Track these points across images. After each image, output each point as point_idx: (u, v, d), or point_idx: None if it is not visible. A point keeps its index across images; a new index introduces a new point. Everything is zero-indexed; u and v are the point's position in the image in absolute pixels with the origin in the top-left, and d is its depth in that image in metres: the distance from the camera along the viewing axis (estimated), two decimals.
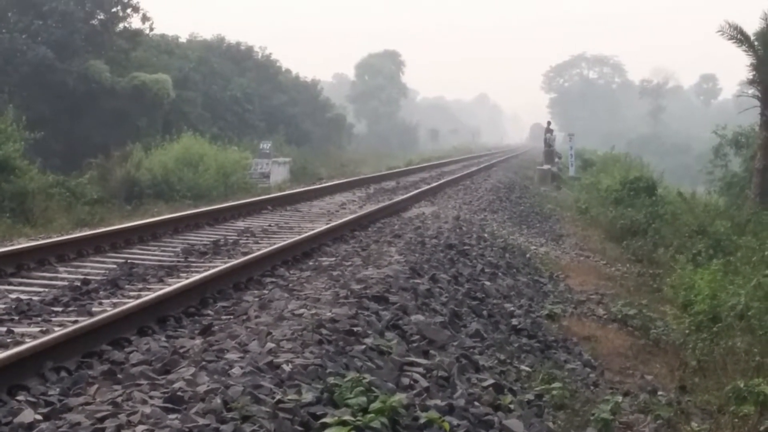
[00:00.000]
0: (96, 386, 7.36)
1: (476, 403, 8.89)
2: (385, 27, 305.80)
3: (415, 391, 8.36)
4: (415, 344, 10.09)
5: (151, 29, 53.66)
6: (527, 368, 11.23)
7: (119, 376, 7.67)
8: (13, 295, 10.84)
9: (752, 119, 40.57)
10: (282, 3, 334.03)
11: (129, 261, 13.63)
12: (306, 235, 16.55)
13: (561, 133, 77.32)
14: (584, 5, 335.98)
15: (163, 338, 9.12)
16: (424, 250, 16.44)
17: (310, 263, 14.37)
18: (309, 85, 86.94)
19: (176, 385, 7.14)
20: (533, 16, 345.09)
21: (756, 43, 36.46)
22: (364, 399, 7.28)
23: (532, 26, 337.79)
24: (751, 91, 38.25)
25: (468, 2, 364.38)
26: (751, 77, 37.52)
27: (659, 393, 11.80)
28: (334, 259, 14.86)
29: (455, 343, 10.94)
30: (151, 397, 6.84)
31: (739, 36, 36.89)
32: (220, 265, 12.79)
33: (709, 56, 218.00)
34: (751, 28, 36.83)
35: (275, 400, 6.97)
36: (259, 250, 14.73)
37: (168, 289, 10.75)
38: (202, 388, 7.05)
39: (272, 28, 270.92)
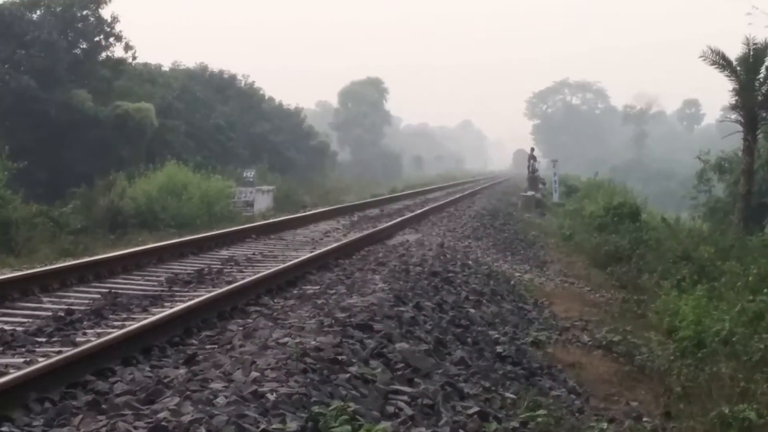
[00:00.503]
0: (80, 417, 7.35)
1: (461, 431, 8.91)
2: (368, 54, 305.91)
3: (400, 420, 8.38)
4: (399, 372, 10.10)
5: (134, 58, 53.74)
6: (512, 395, 11.24)
7: (103, 406, 7.66)
8: None
9: (735, 144, 40.81)
10: (264, 32, 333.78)
11: (113, 291, 13.61)
12: (290, 263, 16.55)
13: (545, 159, 77.52)
14: (568, 31, 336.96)
15: (148, 368, 9.11)
16: (408, 277, 16.47)
17: (295, 291, 14.37)
18: (292, 113, 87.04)
19: (160, 415, 7.15)
20: (517, 42, 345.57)
21: (738, 68, 36.69)
22: (348, 428, 7.31)
23: (516, 52, 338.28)
24: (734, 116, 38.50)
25: (451, 31, 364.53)
26: (734, 102, 37.77)
27: (644, 419, 11.82)
28: (318, 287, 14.85)
29: (440, 371, 10.95)
30: (135, 428, 6.85)
31: (721, 61, 37.12)
32: (204, 294, 12.78)
33: (692, 82, 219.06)
34: (734, 53, 37.06)
35: (260, 429, 6.98)
36: (243, 278, 14.72)
37: (152, 318, 10.73)
38: (186, 418, 7.06)
39: (255, 57, 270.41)
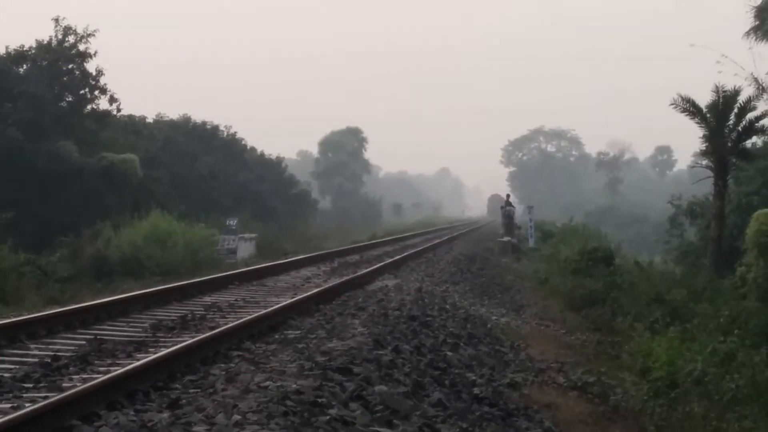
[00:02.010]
0: None
1: None
2: (347, 104, 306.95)
3: None
4: (378, 414, 10.11)
5: (119, 110, 53.69)
6: None
7: None
8: None
9: (706, 189, 40.97)
10: (246, 85, 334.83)
11: (99, 337, 13.62)
12: (272, 309, 16.57)
13: (521, 205, 77.65)
14: (543, 80, 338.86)
15: (132, 412, 9.11)
16: (387, 321, 16.49)
17: (276, 336, 14.38)
18: (274, 162, 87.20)
19: None
20: (493, 92, 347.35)
21: (708, 115, 36.89)
22: None
23: (492, 101, 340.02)
24: (705, 162, 38.69)
25: (429, 77, 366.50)
26: (704, 148, 37.96)
27: None
28: (299, 332, 14.87)
29: (418, 413, 10.96)
30: None
31: (691, 108, 37.33)
32: (187, 340, 12.78)
33: (664, 128, 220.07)
34: (704, 100, 37.31)
35: None
36: (225, 324, 14.72)
37: (136, 364, 10.74)
38: None
39: (236, 108, 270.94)
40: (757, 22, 43.27)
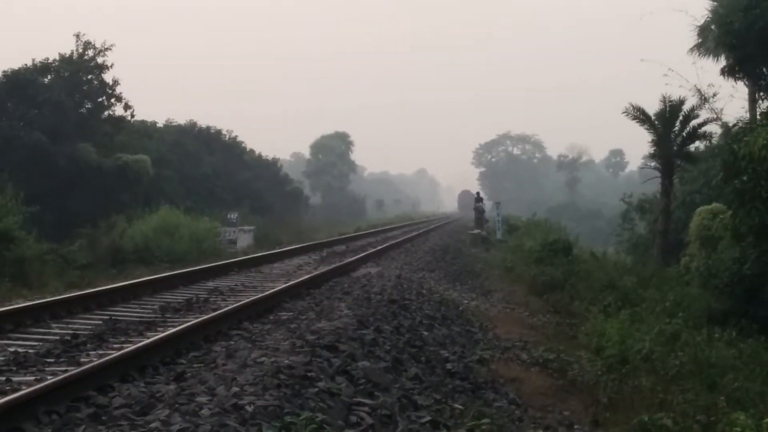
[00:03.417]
0: (83, 427, 7.34)
1: None
2: (334, 107, 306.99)
3: (361, 428, 8.39)
4: (362, 387, 10.10)
5: (132, 116, 53.56)
6: (460, 406, 11.23)
7: (103, 417, 7.65)
8: (12, 349, 10.80)
9: (654, 188, 41.06)
10: (246, 89, 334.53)
11: (113, 317, 13.59)
12: (267, 293, 16.54)
13: (489, 201, 77.53)
14: (510, 87, 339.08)
15: (142, 384, 9.10)
16: (369, 305, 16.48)
17: (271, 317, 14.36)
18: (270, 162, 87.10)
19: (153, 425, 7.15)
20: (465, 97, 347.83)
21: (656, 122, 36.99)
22: None
23: (465, 105, 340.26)
24: (653, 164, 38.89)
25: (407, 83, 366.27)
26: (653, 152, 38.12)
27: (575, 427, 11.84)
28: (291, 313, 14.84)
29: (397, 386, 10.96)
30: None
31: (641, 116, 37.44)
32: (192, 320, 12.75)
33: (617, 134, 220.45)
34: (653, 109, 37.41)
35: None
36: (226, 306, 14.70)
37: (147, 341, 10.72)
38: (175, 428, 7.06)
39: (237, 112, 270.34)
40: (699, 40, 43.39)
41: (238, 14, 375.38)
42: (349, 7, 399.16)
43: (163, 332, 11.63)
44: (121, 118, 52.11)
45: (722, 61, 35.74)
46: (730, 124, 34.41)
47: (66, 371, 9.06)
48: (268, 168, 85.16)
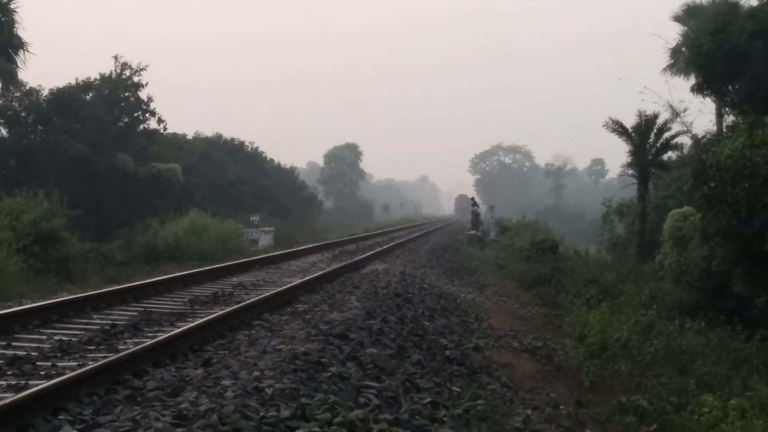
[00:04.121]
0: (120, 407, 7.34)
1: (417, 417, 8.90)
2: (346, 121, 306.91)
3: (369, 408, 8.38)
4: (369, 371, 10.10)
5: (165, 129, 53.72)
6: (457, 389, 11.22)
7: (138, 399, 7.66)
8: (57, 337, 10.81)
9: (631, 193, 41.10)
10: (267, 105, 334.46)
11: (148, 309, 13.59)
12: (285, 287, 16.55)
13: (484, 205, 77.51)
14: (503, 102, 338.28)
15: (173, 369, 9.10)
16: (376, 298, 16.47)
17: (288, 309, 14.35)
18: (288, 171, 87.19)
19: (182, 406, 7.14)
20: (463, 111, 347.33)
21: (633, 134, 37.06)
22: (329, 415, 7.30)
23: (462, 119, 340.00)
24: (630, 171, 38.90)
25: (411, 99, 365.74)
26: (630, 161, 38.22)
27: (561, 407, 11.82)
28: (307, 305, 14.84)
29: (401, 370, 10.94)
30: (162, 415, 6.84)
31: (620, 129, 37.52)
32: (218, 312, 12.76)
33: (598, 144, 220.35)
34: (630, 123, 37.48)
35: (260, 416, 6.98)
36: (249, 299, 14.70)
37: (177, 330, 10.73)
38: (202, 408, 7.05)
39: (259, 126, 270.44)
40: (672, 61, 43.43)
41: (260, 41, 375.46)
42: (358, 34, 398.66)
43: (192, 322, 11.64)
44: (155, 131, 52.30)
45: (692, 80, 35.80)
46: (699, 137, 34.44)
47: (105, 357, 9.07)
48: (286, 176, 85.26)
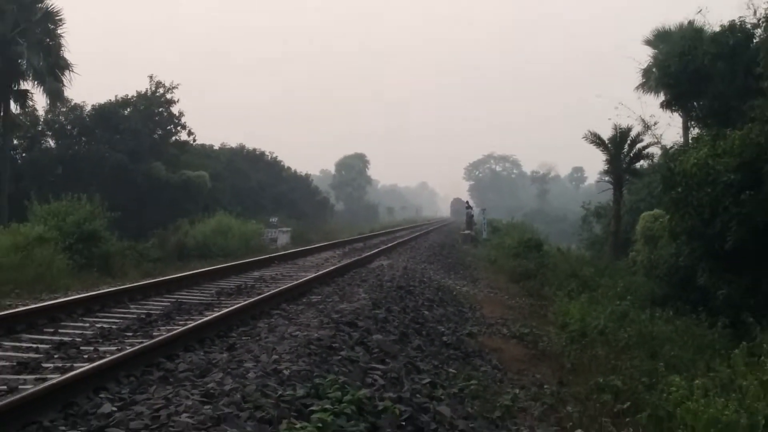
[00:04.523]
0: (154, 387, 7.36)
1: (418, 395, 8.90)
2: (355, 132, 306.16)
3: (375, 387, 8.38)
4: (375, 355, 10.10)
5: (194, 140, 53.89)
6: (453, 370, 11.23)
7: (170, 379, 7.68)
8: (99, 325, 10.84)
9: (608, 197, 41.08)
10: (284, 118, 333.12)
11: (179, 300, 13.61)
12: (301, 280, 16.55)
13: (477, 208, 77.40)
14: (495, 116, 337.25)
15: (202, 353, 9.12)
16: (382, 290, 16.48)
17: (304, 300, 14.36)
18: (303, 177, 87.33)
19: (209, 385, 7.15)
20: (459, 124, 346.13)
21: (609, 145, 37.06)
22: (339, 393, 7.31)
23: (458, 131, 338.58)
24: (607, 178, 38.86)
25: (412, 113, 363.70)
26: (606, 169, 38.16)
27: (545, 387, 11.81)
28: (320, 297, 14.85)
29: (403, 354, 10.95)
30: (192, 394, 6.85)
31: (597, 140, 37.52)
32: (241, 302, 12.77)
33: (578, 154, 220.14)
34: (606, 135, 37.51)
35: (278, 395, 6.98)
36: (268, 291, 14.72)
37: (205, 319, 10.75)
38: (227, 387, 7.06)
39: (278, 137, 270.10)
40: (643, 80, 43.44)
41: (276, 63, 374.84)
42: (363, 54, 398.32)
43: (218, 312, 11.66)
44: (185, 142, 52.49)
45: (661, 97, 35.71)
46: (668, 147, 34.46)
47: (141, 343, 9.09)
48: (302, 182, 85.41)
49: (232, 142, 74.22)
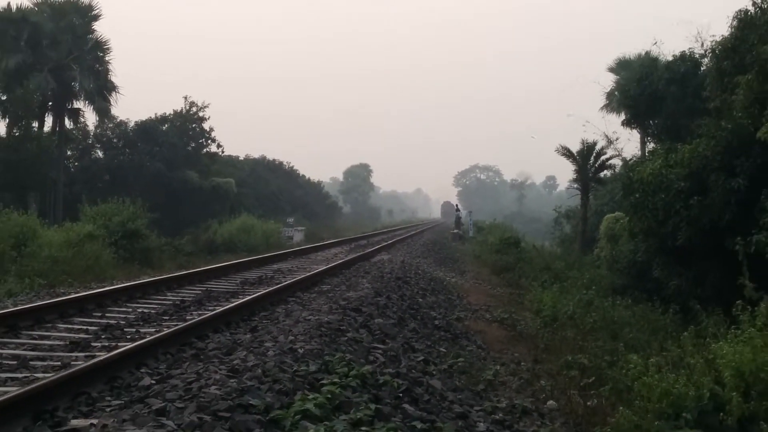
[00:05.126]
0: (187, 363, 7.37)
1: (413, 371, 8.91)
2: (360, 144, 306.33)
3: (376, 364, 8.38)
4: (377, 336, 10.11)
5: (222, 152, 54.04)
6: (443, 350, 11.23)
7: (201, 357, 7.68)
8: (140, 310, 10.86)
9: (576, 202, 41.11)
10: (300, 133, 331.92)
11: (209, 289, 13.63)
12: (313, 272, 16.58)
13: (464, 210, 77.38)
14: (480, 130, 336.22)
15: (228, 334, 9.13)
16: (383, 280, 16.49)
17: (315, 289, 14.37)
18: (315, 184, 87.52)
19: (235, 362, 7.16)
20: (449, 138, 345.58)
21: (577, 157, 37.07)
22: (346, 369, 7.31)
23: (449, 144, 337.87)
24: (575, 185, 38.85)
25: (409, 129, 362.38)
26: (575, 177, 38.15)
27: (522, 363, 11.81)
28: (329, 286, 14.86)
29: (401, 336, 10.96)
30: (220, 369, 6.86)
31: (568, 153, 37.50)
32: (262, 291, 12.79)
33: (551, 164, 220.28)
34: (575, 147, 37.56)
35: (293, 370, 6.99)
36: (285, 281, 14.73)
37: (231, 305, 10.77)
38: (250, 363, 7.07)
39: (294, 148, 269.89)
40: (607, 102, 43.48)
41: (294, 83, 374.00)
42: (367, 73, 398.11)
43: (243, 299, 11.67)
44: (215, 153, 52.68)
45: (622, 116, 35.70)
46: (627, 159, 34.42)
47: (176, 325, 9.11)
48: (314, 188, 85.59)
49: (255, 153, 74.46)
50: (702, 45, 26.30)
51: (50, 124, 39.92)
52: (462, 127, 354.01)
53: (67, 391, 5.99)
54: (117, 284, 13.90)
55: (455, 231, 54.23)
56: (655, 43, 42.33)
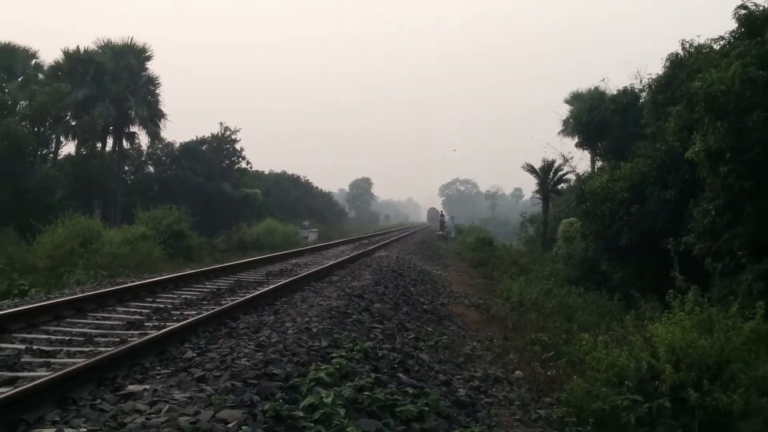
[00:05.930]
0: (222, 339, 7.36)
1: (406, 346, 8.91)
2: (364, 161, 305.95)
3: (376, 341, 8.39)
4: (376, 318, 10.10)
5: (251, 167, 54.15)
6: (430, 329, 11.22)
7: (234, 334, 7.67)
8: (184, 296, 10.84)
9: (538, 209, 41.19)
10: (314, 150, 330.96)
11: (240, 279, 13.61)
12: (324, 266, 16.54)
13: (448, 215, 77.29)
14: (460, 149, 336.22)
15: (255, 315, 9.10)
16: (381, 273, 16.47)
17: (326, 280, 14.34)
18: (326, 193, 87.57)
19: (261, 339, 7.16)
20: (437, 155, 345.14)
21: (539, 173, 37.19)
22: (351, 344, 7.32)
23: (436, 161, 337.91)
24: (538, 195, 38.94)
25: (405, 146, 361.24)
26: (537, 189, 38.29)
27: (494, 341, 11.81)
28: (338, 277, 14.83)
29: (396, 318, 10.95)
30: (248, 345, 6.85)
31: (531, 169, 37.65)
32: (283, 281, 12.76)
33: (518, 177, 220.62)
34: (538, 164, 37.65)
35: (309, 345, 6.99)
36: (302, 273, 14.69)
37: (258, 292, 10.75)
38: (273, 340, 7.07)
39: (310, 163, 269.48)
40: (563, 127, 43.49)
41: (311, 110, 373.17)
42: (365, 108, 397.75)
43: (267, 287, 11.65)
44: (245, 169, 52.77)
45: (576, 139, 35.74)
46: (580, 174, 34.48)
47: (213, 308, 9.09)
48: (326, 197, 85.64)
49: (277, 168, 74.60)
50: (641, 81, 26.46)
51: (111, 145, 40.33)
52: (446, 146, 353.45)
53: (125, 362, 6.00)
54: (165, 275, 13.85)
55: (440, 233, 54.16)
56: (603, 80, 42.35)
